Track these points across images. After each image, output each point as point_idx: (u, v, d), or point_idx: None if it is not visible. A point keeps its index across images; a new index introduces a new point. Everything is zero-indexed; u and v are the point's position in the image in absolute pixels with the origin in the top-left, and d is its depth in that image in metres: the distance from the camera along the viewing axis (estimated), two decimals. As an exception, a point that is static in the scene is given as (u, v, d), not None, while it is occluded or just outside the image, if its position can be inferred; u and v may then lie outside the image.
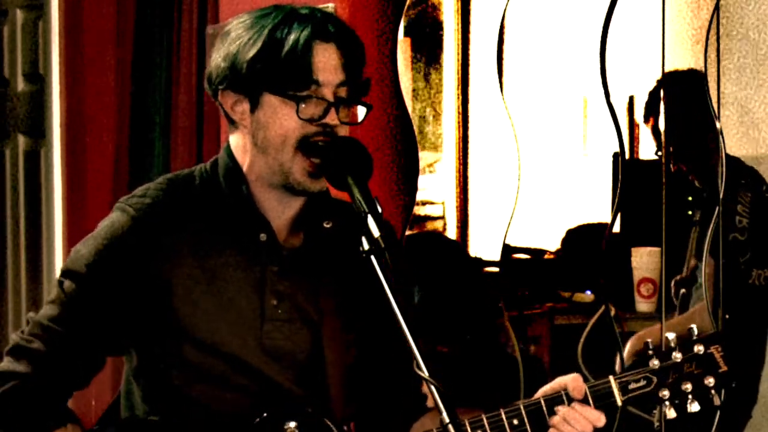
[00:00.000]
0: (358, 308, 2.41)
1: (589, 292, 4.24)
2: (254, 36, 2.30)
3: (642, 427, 3.79)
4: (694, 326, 2.32)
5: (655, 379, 2.30)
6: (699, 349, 2.30)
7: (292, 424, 2.30)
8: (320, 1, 3.80)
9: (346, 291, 2.40)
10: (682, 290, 3.87)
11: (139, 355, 2.41)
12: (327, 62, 2.30)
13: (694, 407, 2.30)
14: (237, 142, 2.37)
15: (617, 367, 3.79)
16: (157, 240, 2.33)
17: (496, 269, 4.25)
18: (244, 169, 2.36)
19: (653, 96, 3.98)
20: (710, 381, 2.30)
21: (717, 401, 2.30)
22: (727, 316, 3.63)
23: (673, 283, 3.89)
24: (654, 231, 3.76)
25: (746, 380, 3.84)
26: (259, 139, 2.33)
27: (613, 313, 3.89)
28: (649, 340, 2.33)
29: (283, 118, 2.29)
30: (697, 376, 2.30)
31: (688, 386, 2.29)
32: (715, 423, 3.67)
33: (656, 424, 3.71)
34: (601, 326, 3.93)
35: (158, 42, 5.00)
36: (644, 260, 4.02)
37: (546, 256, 4.41)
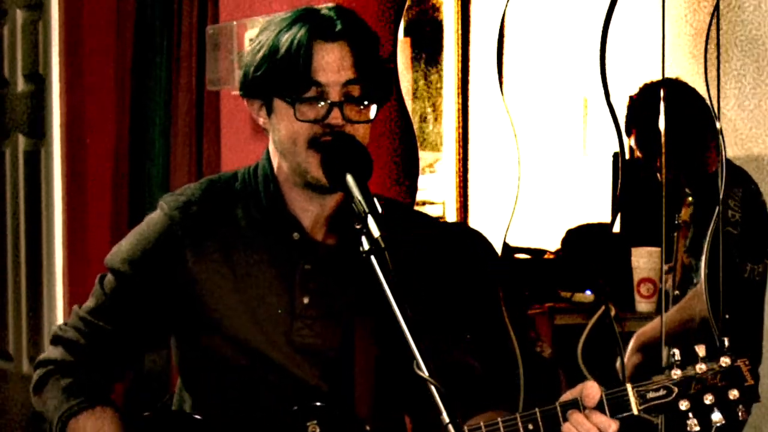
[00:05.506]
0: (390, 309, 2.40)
1: (589, 292, 4.24)
2: (262, 41, 2.33)
3: (642, 427, 3.79)
4: (725, 339, 2.27)
5: (675, 390, 2.25)
6: (725, 361, 2.25)
7: (315, 422, 2.32)
8: (321, 0, 3.80)
9: (380, 291, 2.40)
10: (676, 291, 3.87)
11: (178, 349, 2.47)
12: (329, 62, 2.30)
13: (716, 417, 2.24)
14: (271, 144, 2.42)
15: (617, 367, 3.79)
16: (188, 237, 2.38)
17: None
18: (275, 170, 2.40)
19: (634, 106, 3.97)
20: (735, 394, 2.24)
21: (743, 416, 2.24)
22: (727, 316, 3.64)
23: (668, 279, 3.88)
24: (654, 231, 3.76)
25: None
26: (277, 142, 2.36)
27: (613, 313, 3.89)
28: (676, 350, 2.27)
29: (290, 121, 2.31)
30: (721, 388, 2.24)
31: (711, 399, 2.24)
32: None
33: (656, 422, 3.71)
34: (601, 326, 3.93)
35: (158, 42, 5.00)
36: (644, 260, 4.02)
37: (546, 256, 4.41)
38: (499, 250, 4.15)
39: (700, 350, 2.26)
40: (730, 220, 3.70)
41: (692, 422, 2.25)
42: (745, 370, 2.25)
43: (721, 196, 3.62)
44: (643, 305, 4.03)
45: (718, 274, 3.64)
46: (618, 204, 3.92)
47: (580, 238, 4.33)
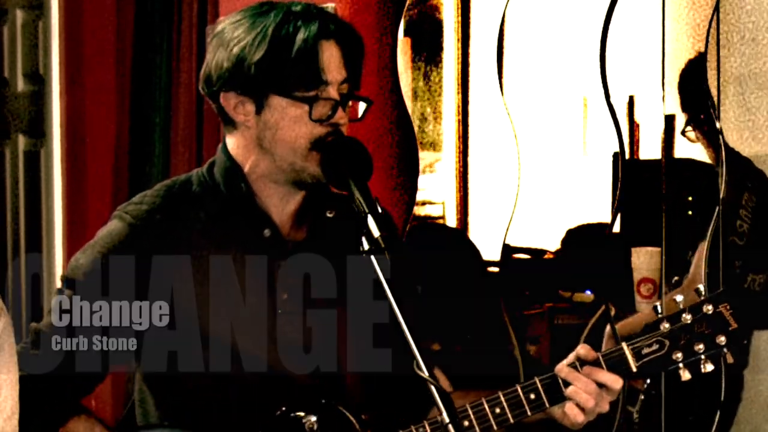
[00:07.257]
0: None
1: (589, 292, 4.24)
2: (258, 37, 2.28)
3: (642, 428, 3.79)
4: (701, 286, 2.33)
5: (667, 343, 2.30)
6: (708, 308, 2.31)
7: (313, 418, 2.31)
8: (320, 1, 3.80)
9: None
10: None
11: (147, 363, 2.41)
12: (331, 60, 2.29)
13: (708, 367, 2.30)
14: (237, 142, 2.37)
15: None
16: (156, 246, 2.33)
17: (496, 269, 4.25)
18: (246, 168, 2.36)
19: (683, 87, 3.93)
20: (722, 339, 2.31)
21: (730, 359, 2.30)
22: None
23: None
24: (654, 231, 3.76)
25: (730, 379, 3.84)
26: (267, 140, 2.32)
27: (613, 313, 3.89)
28: (657, 303, 2.34)
29: (293, 120, 2.28)
30: (708, 335, 2.30)
31: (701, 347, 2.30)
32: (715, 423, 3.67)
33: (635, 415, 3.71)
34: (601, 326, 3.93)
35: (158, 42, 5.00)
36: (644, 260, 4.02)
37: (546, 256, 4.41)
38: (499, 250, 4.15)
39: (680, 300, 2.33)
40: (737, 230, 3.70)
41: (684, 372, 2.31)
42: (727, 315, 2.32)
43: (721, 195, 3.62)
44: (643, 305, 4.03)
45: (718, 274, 3.64)
46: (618, 204, 3.92)
47: (580, 238, 4.33)
